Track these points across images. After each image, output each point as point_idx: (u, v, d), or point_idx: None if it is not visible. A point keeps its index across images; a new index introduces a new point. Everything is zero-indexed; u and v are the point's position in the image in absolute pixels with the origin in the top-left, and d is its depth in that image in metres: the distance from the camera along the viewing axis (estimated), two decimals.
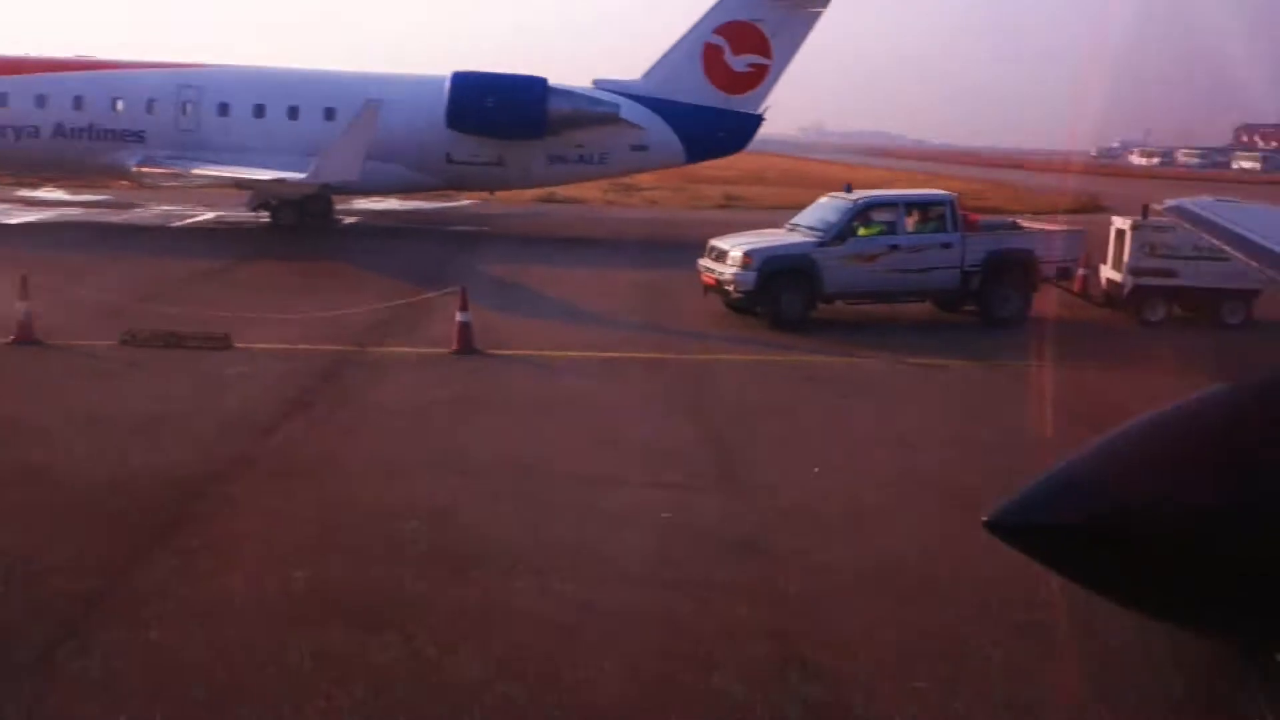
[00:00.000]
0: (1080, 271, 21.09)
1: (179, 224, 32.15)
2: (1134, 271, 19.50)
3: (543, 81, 30.38)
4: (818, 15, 32.93)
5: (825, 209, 19.41)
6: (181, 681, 6.56)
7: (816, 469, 10.87)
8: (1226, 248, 8.68)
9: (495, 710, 6.36)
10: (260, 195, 29.80)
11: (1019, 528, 2.90)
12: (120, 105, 30.50)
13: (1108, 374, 15.34)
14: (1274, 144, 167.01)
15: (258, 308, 18.04)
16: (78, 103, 30.40)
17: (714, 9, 32.48)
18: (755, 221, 39.07)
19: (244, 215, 31.93)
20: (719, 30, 32.40)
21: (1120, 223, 20.41)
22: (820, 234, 18.45)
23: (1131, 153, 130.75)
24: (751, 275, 17.89)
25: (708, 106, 32.39)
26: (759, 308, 18.29)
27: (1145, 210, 19.73)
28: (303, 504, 9.58)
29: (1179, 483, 2.76)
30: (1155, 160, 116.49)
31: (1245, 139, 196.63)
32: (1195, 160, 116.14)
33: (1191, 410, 2.97)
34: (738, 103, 32.74)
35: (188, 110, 30.69)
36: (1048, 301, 19.98)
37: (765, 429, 12.40)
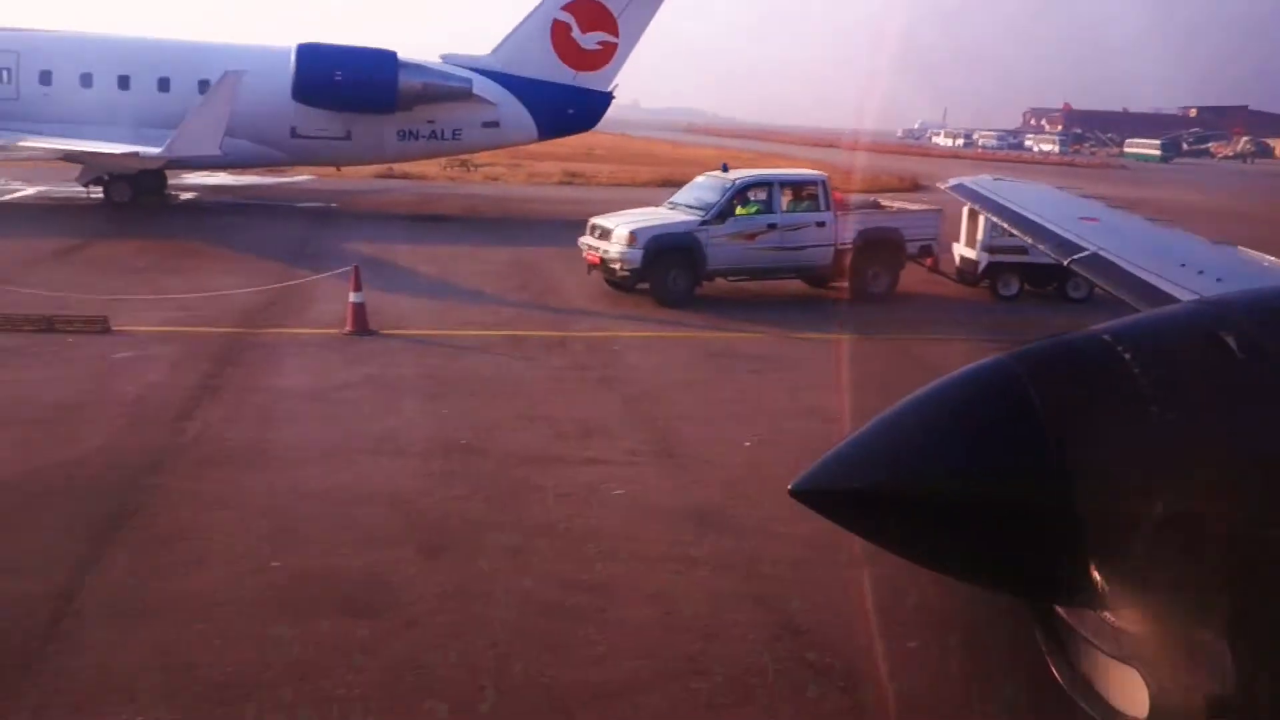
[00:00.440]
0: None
1: (1, 199, 30.13)
2: (989, 249, 20.58)
3: (393, 55, 29.81)
4: None
5: (703, 188, 19.78)
6: (189, 678, 6.36)
7: (748, 442, 11.19)
8: (1001, 222, 9.35)
9: (513, 690, 6.42)
10: (93, 170, 28.26)
11: (817, 493, 3.21)
12: None
13: (980, 346, 16.22)
14: (1059, 126, 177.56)
15: (126, 290, 17.29)
16: None
17: None
18: (599, 199, 39.48)
19: (69, 191, 30.28)
20: (566, 7, 32.41)
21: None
22: (702, 213, 18.81)
23: (936, 134, 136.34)
24: (637, 253, 18.12)
25: (558, 83, 32.39)
26: (643, 285, 18.56)
27: None
28: (248, 493, 9.31)
29: (953, 447, 3.05)
30: (960, 142, 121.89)
31: (1033, 121, 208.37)
32: (993, 142, 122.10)
33: (967, 378, 3.47)
34: (587, 80, 32.86)
35: (6, 77, 28.77)
36: (908, 278, 20.90)
37: (686, 404, 12.65)
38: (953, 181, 11.18)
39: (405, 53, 30.65)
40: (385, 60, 29.52)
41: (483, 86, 31.05)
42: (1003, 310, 19.83)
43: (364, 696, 6.26)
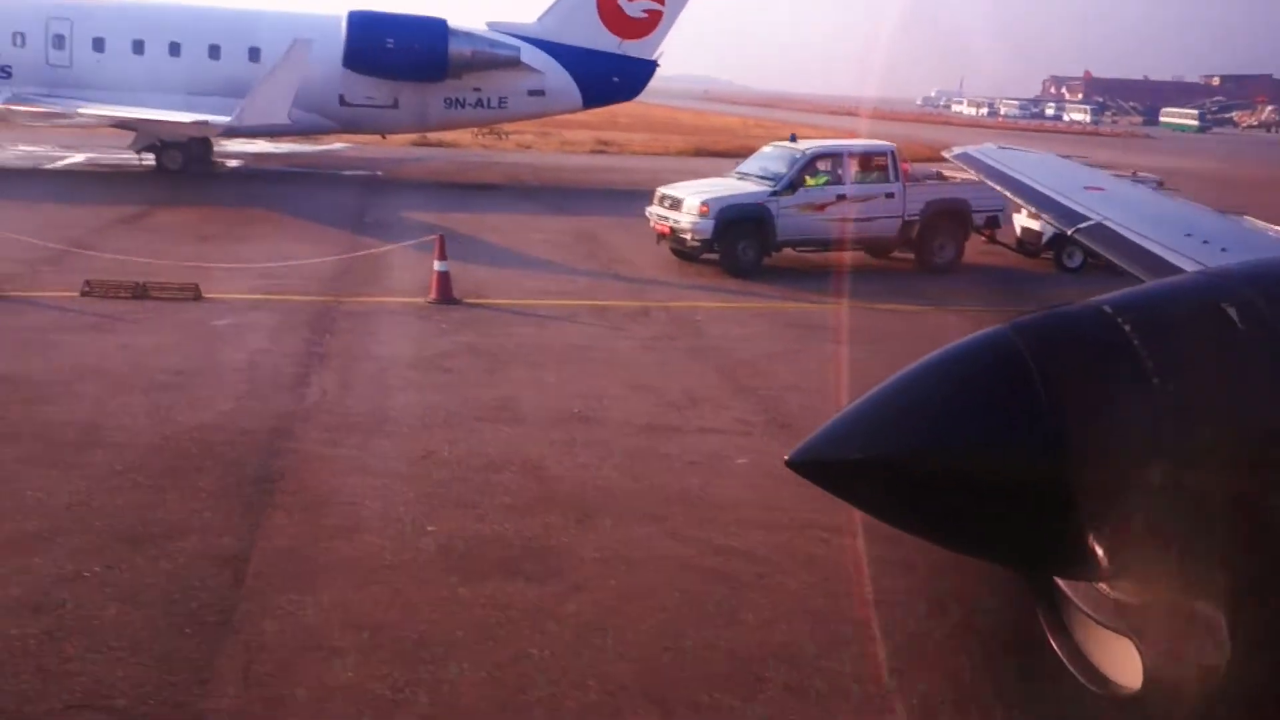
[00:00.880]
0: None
1: (55, 166, 30.29)
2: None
3: (443, 23, 29.78)
4: None
5: (770, 158, 19.86)
6: (383, 637, 6.55)
7: None
8: (1005, 191, 9.32)
9: (694, 652, 6.60)
10: (146, 137, 28.39)
11: (813, 464, 3.14)
12: None
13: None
14: (1079, 95, 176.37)
15: (202, 257, 17.46)
16: None
17: None
18: (638, 167, 39.56)
19: (117, 158, 30.44)
20: None
21: None
22: (770, 183, 18.89)
23: (957, 102, 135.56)
24: (709, 224, 18.23)
25: (603, 52, 32.35)
26: (709, 255, 18.70)
27: None
28: (383, 459, 9.48)
29: (950, 418, 3.05)
30: (983, 111, 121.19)
31: (1053, 90, 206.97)
32: (1015, 111, 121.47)
33: (965, 348, 3.49)
34: (632, 48, 32.81)
35: (59, 44, 28.84)
36: (968, 249, 20.97)
37: (782, 374, 12.80)
38: (956, 150, 11.21)
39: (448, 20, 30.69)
40: (436, 28, 29.50)
41: (529, 55, 31.04)
42: (1070, 281, 19.90)
43: (555, 656, 6.45)
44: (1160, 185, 23.78)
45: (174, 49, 29.31)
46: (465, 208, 25.70)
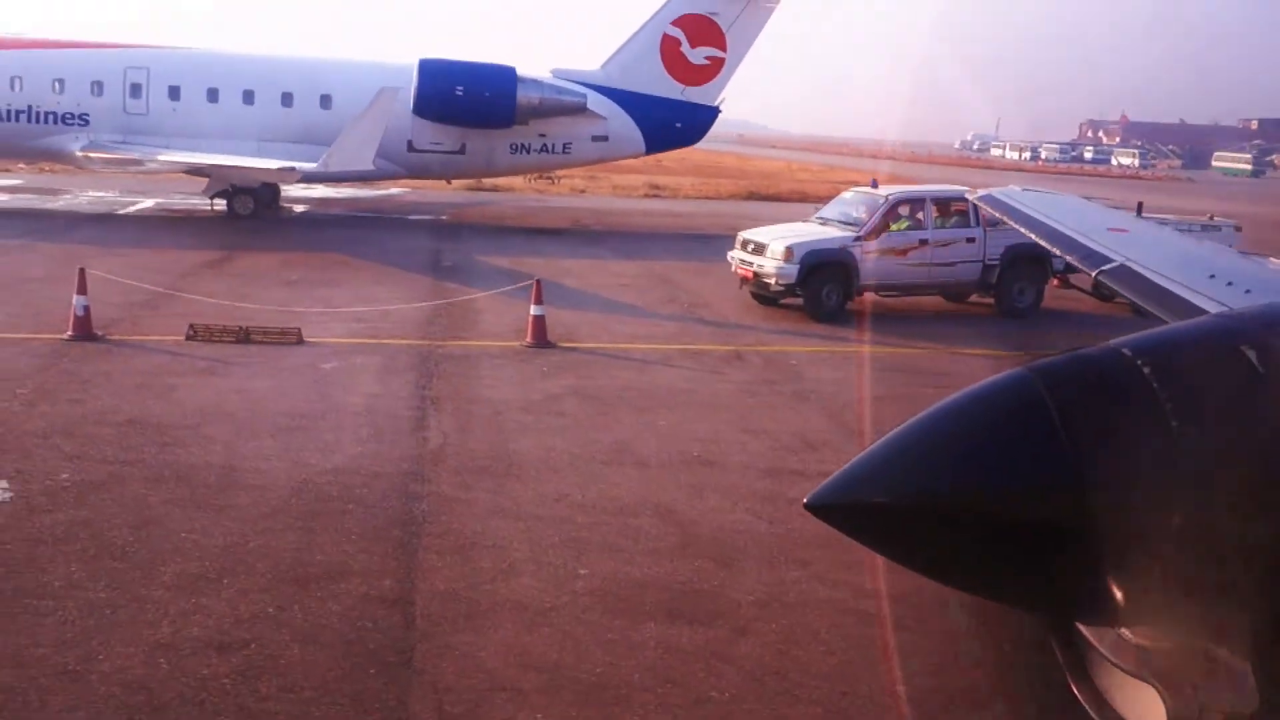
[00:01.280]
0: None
1: (127, 211, 30.89)
2: None
3: (512, 71, 30.24)
4: (771, 10, 33.60)
5: (851, 204, 19.99)
6: (562, 678, 6.61)
7: None
8: (1029, 233, 9.25)
9: (870, 696, 6.62)
10: (219, 183, 28.94)
11: (831, 508, 3.15)
12: (63, 87, 29.14)
13: None
14: (1116, 139, 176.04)
15: (292, 301, 17.74)
16: (17, 83, 28.94)
17: (672, 1, 32.81)
18: (694, 211, 39.87)
19: (186, 203, 31.09)
20: (677, 22, 32.75)
21: None
22: (852, 228, 19.01)
23: (998, 146, 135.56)
24: (794, 268, 18.35)
25: (666, 98, 32.73)
26: (789, 300, 18.83)
27: (1140, 207, 20.93)
28: (519, 502, 9.57)
29: (970, 461, 3.03)
30: (1026, 155, 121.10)
31: (1090, 134, 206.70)
32: (1056, 155, 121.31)
33: (985, 391, 3.44)
34: (695, 94, 33.18)
35: (136, 93, 29.51)
36: (1048, 293, 20.95)
37: (891, 418, 12.72)
38: (981, 192, 11.23)
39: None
40: (505, 76, 29.96)
41: (594, 101, 31.45)
42: (1145, 325, 19.79)
43: (737, 699, 6.49)
44: (1238, 230, 23.76)
45: (248, 97, 29.90)
46: (536, 252, 25.97)
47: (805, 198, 45.81)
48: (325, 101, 29.98)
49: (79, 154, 28.76)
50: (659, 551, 8.62)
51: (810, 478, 10.59)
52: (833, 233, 19.14)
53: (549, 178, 44.88)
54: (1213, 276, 6.83)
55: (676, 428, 12.03)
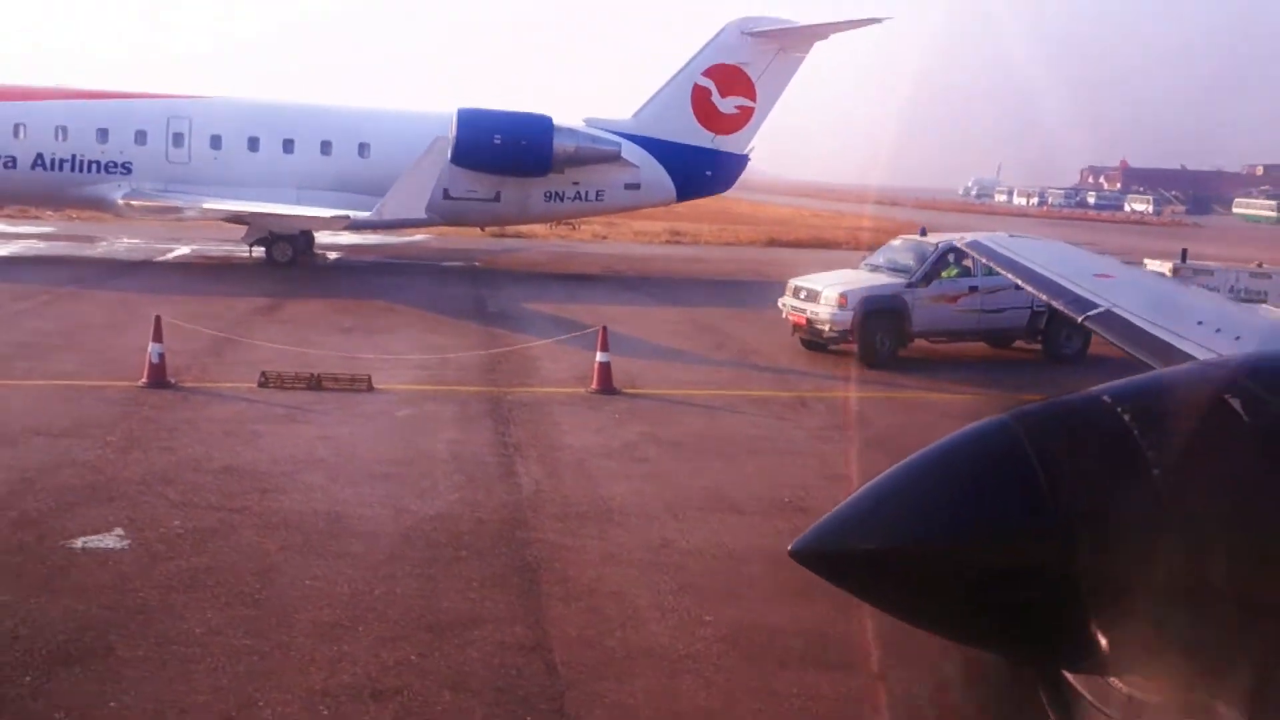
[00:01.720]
0: None
1: (166, 258, 31.15)
2: None
3: (548, 120, 30.59)
4: (800, 60, 34.05)
5: (900, 251, 20.22)
6: None
7: None
8: (1016, 278, 9.27)
9: None
10: (257, 230, 29.21)
11: (814, 555, 3.10)
12: (107, 136, 29.50)
13: None
14: (1117, 184, 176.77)
15: (352, 348, 17.85)
16: (61, 133, 29.31)
17: (703, 51, 33.30)
18: (722, 258, 40.08)
19: (223, 249, 31.40)
20: (708, 73, 33.17)
21: (1157, 265, 21.79)
22: (903, 275, 19.22)
23: (1001, 191, 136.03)
24: (847, 315, 18.52)
25: (697, 146, 33.10)
26: (847, 346, 18.99)
27: (1184, 255, 21.18)
28: (626, 548, 9.67)
29: (952, 509, 3.03)
30: (1033, 200, 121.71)
31: (1091, 179, 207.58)
32: (1061, 200, 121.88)
33: (966, 438, 3.42)
34: (725, 143, 33.55)
35: (178, 142, 29.86)
36: (1095, 339, 21.12)
37: None
38: (969, 238, 11.31)
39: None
40: (542, 125, 30.30)
41: (627, 150, 31.81)
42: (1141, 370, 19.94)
43: None
44: None
45: (288, 146, 30.24)
46: (575, 298, 26.17)
47: (825, 244, 46.19)
48: (363, 150, 30.33)
49: (120, 202, 29.04)
50: (779, 596, 8.69)
51: None
52: (884, 279, 19.34)
53: (570, 224, 45.21)
54: (1201, 323, 6.80)
55: (762, 474, 12.14)
